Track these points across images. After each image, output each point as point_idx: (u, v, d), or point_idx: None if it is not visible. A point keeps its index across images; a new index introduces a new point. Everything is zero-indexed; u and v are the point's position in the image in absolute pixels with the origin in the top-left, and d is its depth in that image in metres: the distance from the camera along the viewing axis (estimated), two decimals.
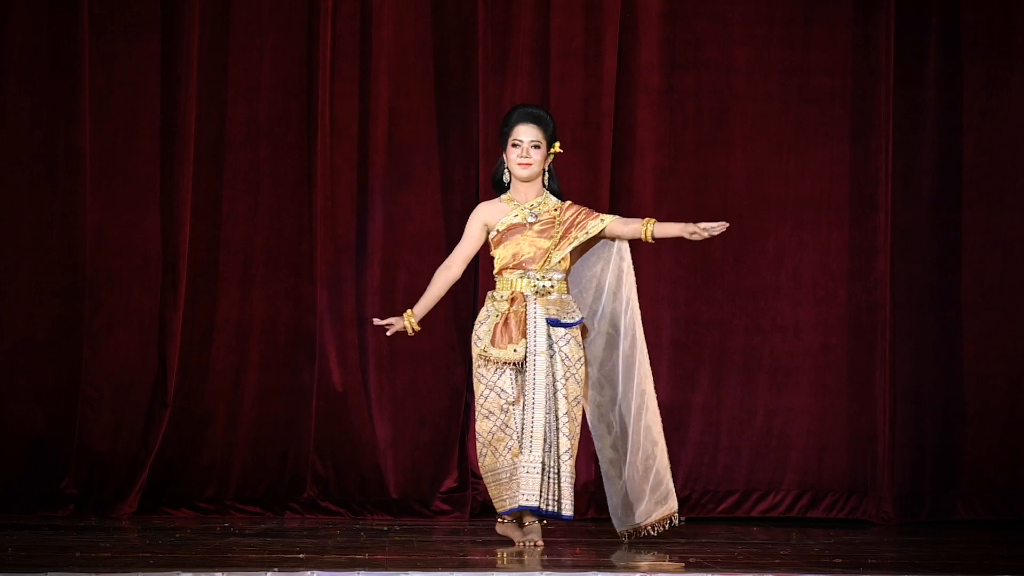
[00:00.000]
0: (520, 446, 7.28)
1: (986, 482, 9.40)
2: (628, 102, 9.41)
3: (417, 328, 7.54)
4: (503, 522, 7.47)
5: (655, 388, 9.36)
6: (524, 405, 7.33)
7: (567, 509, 7.31)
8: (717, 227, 7.41)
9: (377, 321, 7.63)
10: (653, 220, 7.53)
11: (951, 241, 9.50)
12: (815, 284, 9.48)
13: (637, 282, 9.35)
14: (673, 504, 7.53)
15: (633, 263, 9.22)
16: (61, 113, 9.17)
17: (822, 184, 9.49)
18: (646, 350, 7.58)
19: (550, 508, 7.28)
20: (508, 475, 7.32)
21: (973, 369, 9.47)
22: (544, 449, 7.28)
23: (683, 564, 6.63)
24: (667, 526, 7.51)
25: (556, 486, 7.28)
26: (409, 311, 7.55)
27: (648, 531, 7.51)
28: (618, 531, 7.60)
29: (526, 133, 7.48)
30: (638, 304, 7.61)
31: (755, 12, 9.51)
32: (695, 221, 9.36)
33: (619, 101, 9.39)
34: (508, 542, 7.42)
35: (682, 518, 7.58)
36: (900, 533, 8.90)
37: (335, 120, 9.26)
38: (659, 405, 9.37)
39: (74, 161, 9.15)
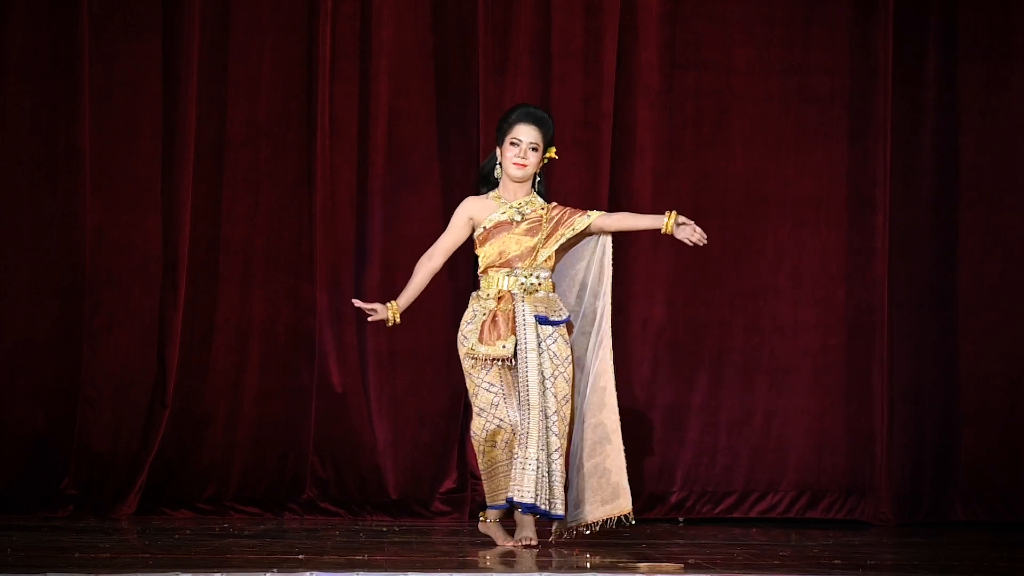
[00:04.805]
0: (516, 440, 7.27)
1: (985, 483, 9.39)
2: (628, 102, 9.41)
3: (398, 320, 7.45)
4: (485, 520, 7.46)
5: (653, 390, 9.43)
6: (520, 402, 7.31)
7: (558, 508, 7.28)
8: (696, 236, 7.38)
9: (358, 303, 7.48)
10: (674, 212, 7.39)
11: (950, 241, 9.50)
12: (814, 284, 9.48)
13: (634, 282, 9.41)
14: (624, 504, 7.34)
15: (631, 263, 9.29)
16: (61, 113, 9.17)
17: (821, 184, 9.49)
18: (611, 345, 7.41)
19: (543, 506, 7.24)
20: (507, 467, 7.31)
21: (972, 369, 9.47)
22: (539, 447, 7.26)
23: (682, 565, 6.63)
24: (611, 524, 7.33)
25: (548, 484, 7.25)
26: (393, 302, 7.47)
27: (581, 530, 7.39)
28: (567, 526, 7.45)
29: (526, 134, 7.43)
30: (610, 299, 7.46)
31: (755, 12, 9.51)
32: (694, 221, 9.44)
33: (619, 101, 9.39)
34: (490, 542, 7.42)
35: (633, 519, 7.36)
36: (898, 534, 8.90)
37: (335, 120, 9.27)
38: (658, 406, 9.43)
39: (74, 161, 9.16)
